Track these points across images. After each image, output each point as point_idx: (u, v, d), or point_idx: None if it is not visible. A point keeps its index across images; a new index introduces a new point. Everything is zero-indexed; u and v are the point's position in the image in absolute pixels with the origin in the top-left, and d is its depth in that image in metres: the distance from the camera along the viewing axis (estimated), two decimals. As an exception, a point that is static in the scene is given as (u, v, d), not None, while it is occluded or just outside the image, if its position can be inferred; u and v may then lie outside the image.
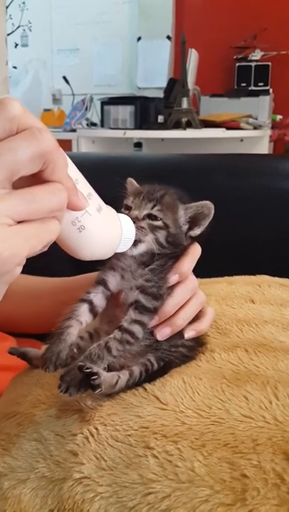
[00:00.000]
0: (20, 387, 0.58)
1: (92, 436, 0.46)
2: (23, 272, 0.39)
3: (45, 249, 0.37)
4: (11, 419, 0.52)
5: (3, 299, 0.39)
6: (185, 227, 0.55)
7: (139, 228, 0.51)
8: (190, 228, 0.56)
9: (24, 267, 0.37)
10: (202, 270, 0.61)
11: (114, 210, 0.46)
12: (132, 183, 0.59)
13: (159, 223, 0.53)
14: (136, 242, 0.50)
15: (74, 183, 0.39)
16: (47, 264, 0.71)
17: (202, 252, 0.58)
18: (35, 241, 0.36)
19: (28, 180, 0.36)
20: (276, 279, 0.81)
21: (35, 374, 0.59)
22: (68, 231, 0.40)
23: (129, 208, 0.54)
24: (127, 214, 0.51)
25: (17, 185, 0.35)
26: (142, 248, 0.52)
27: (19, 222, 0.35)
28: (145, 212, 0.53)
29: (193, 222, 0.56)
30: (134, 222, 0.49)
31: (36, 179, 0.36)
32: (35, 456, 0.47)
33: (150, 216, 0.53)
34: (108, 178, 0.57)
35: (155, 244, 0.53)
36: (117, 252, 0.47)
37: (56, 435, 0.48)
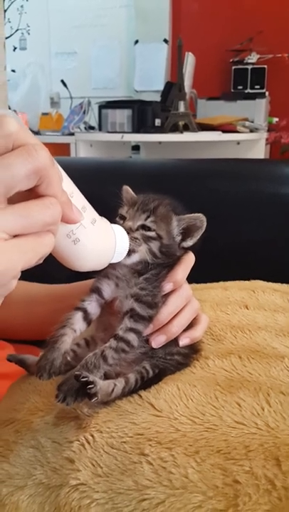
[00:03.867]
0: (18, 395, 0.59)
1: (89, 443, 0.47)
2: (21, 278, 0.40)
3: (40, 261, 0.38)
4: (9, 426, 0.53)
5: (1, 306, 0.40)
6: (178, 238, 0.56)
7: (132, 239, 0.52)
8: (183, 239, 0.57)
9: (22, 273, 0.38)
10: (197, 275, 0.62)
11: (108, 222, 0.47)
12: (127, 190, 0.60)
13: (152, 234, 0.54)
14: (130, 252, 0.51)
15: (68, 197, 0.40)
16: (44, 270, 0.72)
17: (197, 257, 0.59)
18: (30, 254, 0.37)
19: (23, 194, 0.37)
20: (270, 284, 0.82)
21: (32, 381, 0.60)
22: (63, 244, 0.41)
23: (123, 218, 0.55)
24: (121, 224, 0.52)
25: (12, 200, 0.36)
26: (135, 258, 0.53)
27: (14, 236, 0.36)
28: (139, 223, 0.54)
29: (186, 233, 0.56)
30: (128, 233, 0.50)
31: (31, 194, 0.37)
32: (32, 462, 0.47)
33: (144, 227, 0.54)
34: (106, 184, 0.58)
35: (148, 254, 0.54)
36: (112, 262, 0.48)
37: (53, 442, 0.48)
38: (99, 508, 0.42)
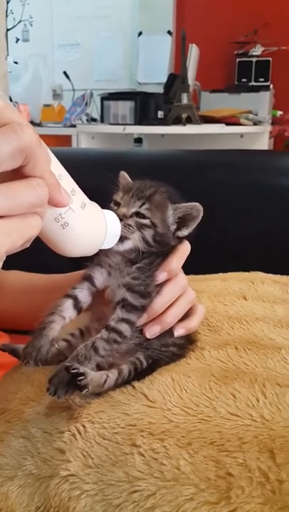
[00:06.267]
0: (11, 384, 0.58)
1: (80, 433, 0.46)
2: (19, 268, 0.39)
3: (27, 245, 0.37)
4: (0, 416, 0.52)
5: (2, 296, 0.39)
6: (173, 227, 0.55)
7: (126, 226, 0.51)
8: (178, 228, 0.55)
9: (21, 262, 0.37)
10: (197, 266, 0.61)
11: (99, 207, 0.46)
12: (124, 176, 0.59)
13: (146, 222, 0.53)
14: (122, 239, 0.50)
15: (57, 179, 0.38)
16: (43, 260, 0.71)
17: (198, 248, 0.58)
18: (15, 236, 0.35)
19: (9, 175, 0.35)
20: (270, 275, 0.81)
21: (25, 371, 0.59)
22: (51, 228, 0.40)
23: (118, 204, 0.54)
24: (115, 210, 0.51)
25: None
26: (127, 245, 0.52)
27: None
28: (133, 210, 0.53)
29: (181, 222, 0.55)
30: (121, 220, 0.49)
31: (17, 174, 0.36)
32: (22, 453, 0.47)
33: (138, 214, 0.53)
34: (107, 174, 0.56)
35: (141, 242, 0.52)
36: (102, 248, 0.47)
37: (44, 432, 0.48)
38: (89, 500, 0.41)
